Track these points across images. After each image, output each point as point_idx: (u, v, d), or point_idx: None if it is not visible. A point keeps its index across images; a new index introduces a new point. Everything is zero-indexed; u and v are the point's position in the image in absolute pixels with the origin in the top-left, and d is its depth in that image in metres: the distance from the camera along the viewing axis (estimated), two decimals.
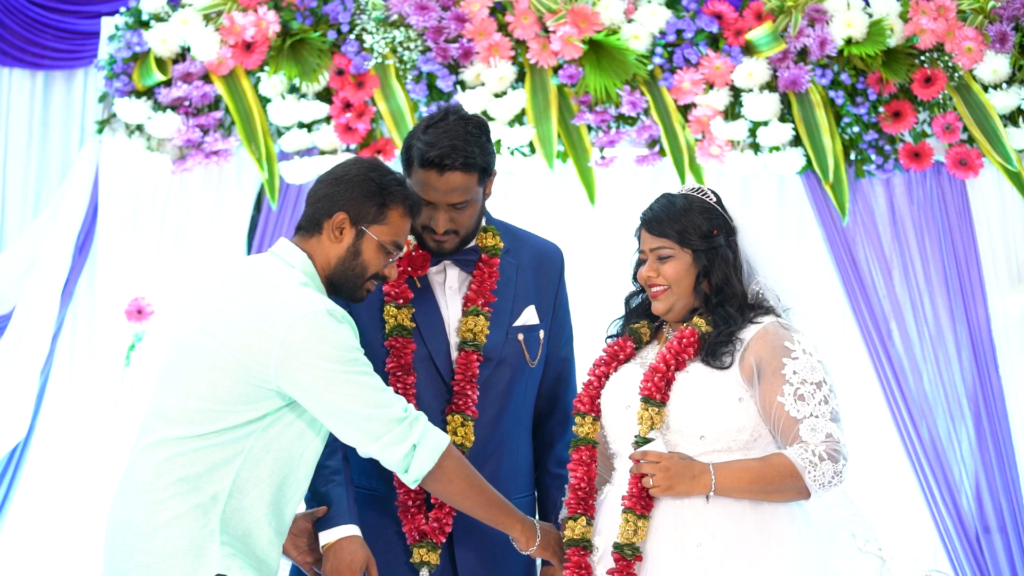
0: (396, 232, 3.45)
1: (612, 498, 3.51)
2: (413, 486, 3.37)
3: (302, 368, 3.25)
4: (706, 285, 3.51)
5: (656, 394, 3.43)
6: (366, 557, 3.54)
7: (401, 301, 3.69)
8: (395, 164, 5.79)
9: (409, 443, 3.29)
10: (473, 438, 3.68)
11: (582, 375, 3.71)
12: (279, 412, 3.32)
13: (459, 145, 3.60)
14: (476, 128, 3.65)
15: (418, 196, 3.53)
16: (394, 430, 3.28)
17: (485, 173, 3.66)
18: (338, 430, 3.32)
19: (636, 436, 3.44)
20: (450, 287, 3.77)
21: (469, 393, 3.69)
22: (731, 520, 3.36)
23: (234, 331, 3.29)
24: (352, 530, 3.58)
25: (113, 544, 3.33)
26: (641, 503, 3.39)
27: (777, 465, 3.34)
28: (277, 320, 3.26)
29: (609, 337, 3.69)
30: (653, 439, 3.41)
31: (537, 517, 3.87)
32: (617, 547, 3.40)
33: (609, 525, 3.47)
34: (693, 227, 3.50)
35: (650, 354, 3.59)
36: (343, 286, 3.44)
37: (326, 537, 3.57)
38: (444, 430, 3.68)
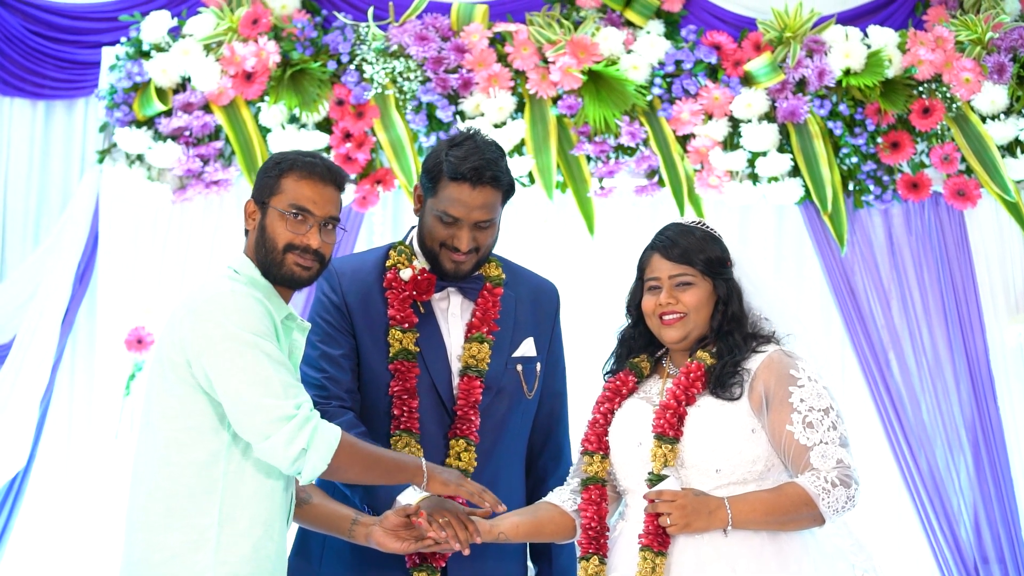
0: (293, 196, 3.36)
1: (626, 535, 3.50)
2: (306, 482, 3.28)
3: (206, 350, 3.21)
4: (720, 314, 3.52)
5: (670, 431, 3.42)
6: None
7: (406, 325, 3.70)
8: (396, 195, 5.85)
9: (297, 447, 3.16)
10: (475, 464, 3.68)
11: (577, 409, 3.70)
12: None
13: (490, 161, 3.63)
14: (498, 150, 3.69)
15: (321, 160, 3.43)
16: (281, 430, 3.16)
17: (508, 193, 3.69)
18: (235, 422, 3.22)
19: (650, 473, 3.43)
20: (452, 314, 3.78)
21: (472, 418, 3.69)
22: (751, 553, 3.36)
23: (166, 338, 3.30)
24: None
25: None
26: (658, 540, 3.38)
27: (791, 494, 3.35)
28: (190, 307, 3.26)
29: (607, 374, 3.68)
30: (667, 476, 3.40)
31: (529, 553, 3.87)
32: None
33: (624, 562, 3.46)
34: (715, 256, 3.53)
35: (652, 388, 3.58)
36: (269, 267, 3.37)
37: (414, 496, 3.51)
38: (446, 455, 3.68)
